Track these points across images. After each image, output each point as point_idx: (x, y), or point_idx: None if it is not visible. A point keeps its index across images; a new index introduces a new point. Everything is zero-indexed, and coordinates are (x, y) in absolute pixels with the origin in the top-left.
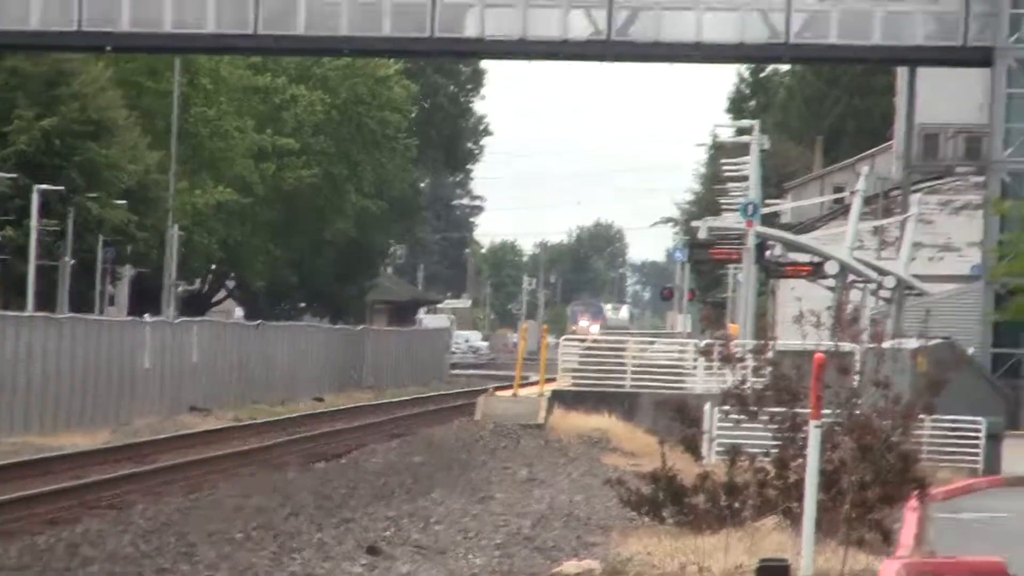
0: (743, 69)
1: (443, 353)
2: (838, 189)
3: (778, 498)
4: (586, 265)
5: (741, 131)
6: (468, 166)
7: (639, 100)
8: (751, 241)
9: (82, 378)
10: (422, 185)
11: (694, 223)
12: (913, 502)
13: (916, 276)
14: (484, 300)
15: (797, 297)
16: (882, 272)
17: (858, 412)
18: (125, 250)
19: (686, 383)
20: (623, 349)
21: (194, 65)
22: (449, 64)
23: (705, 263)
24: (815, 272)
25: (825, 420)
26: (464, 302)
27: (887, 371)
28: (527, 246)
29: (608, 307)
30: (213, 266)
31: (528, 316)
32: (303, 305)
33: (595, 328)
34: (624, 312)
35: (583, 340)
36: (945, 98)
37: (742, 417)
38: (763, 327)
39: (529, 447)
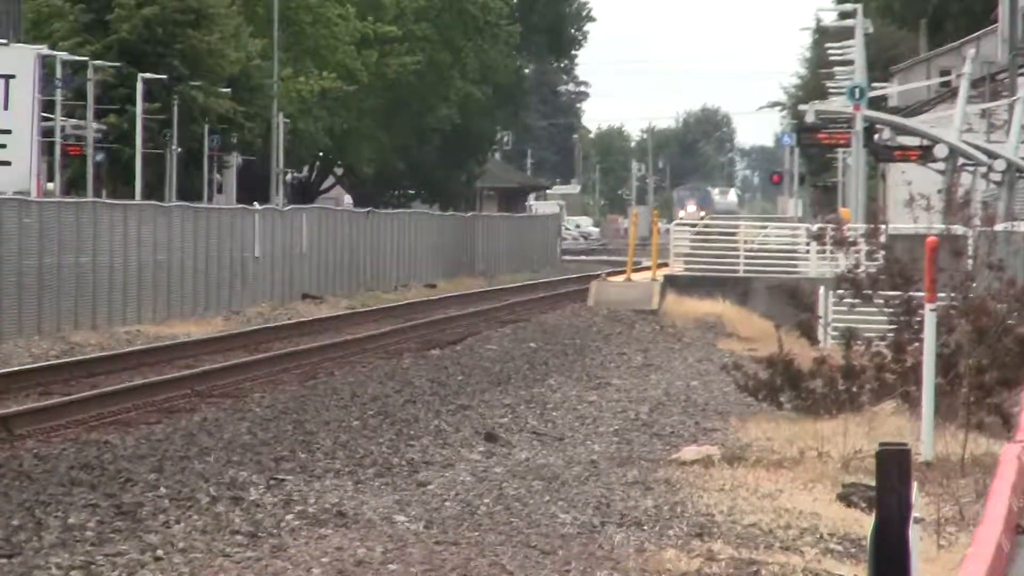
0: None
1: (554, 239)
2: (944, 73)
3: (896, 382)
4: (694, 150)
5: (844, 15)
6: (572, 52)
7: None
8: (859, 125)
9: (192, 267)
10: (527, 71)
11: (801, 107)
12: None
13: None
14: (593, 186)
15: (908, 181)
16: (992, 155)
17: (973, 295)
18: (231, 138)
19: (799, 268)
20: (735, 234)
21: None
22: None
23: (814, 147)
24: (924, 156)
25: (940, 303)
26: (573, 188)
27: (1000, 254)
28: (634, 131)
29: (715, 191)
30: (320, 154)
31: (638, 202)
32: (412, 192)
33: (702, 214)
34: (732, 196)
35: (695, 225)
36: None
37: (857, 301)
38: (874, 211)
39: (643, 332)
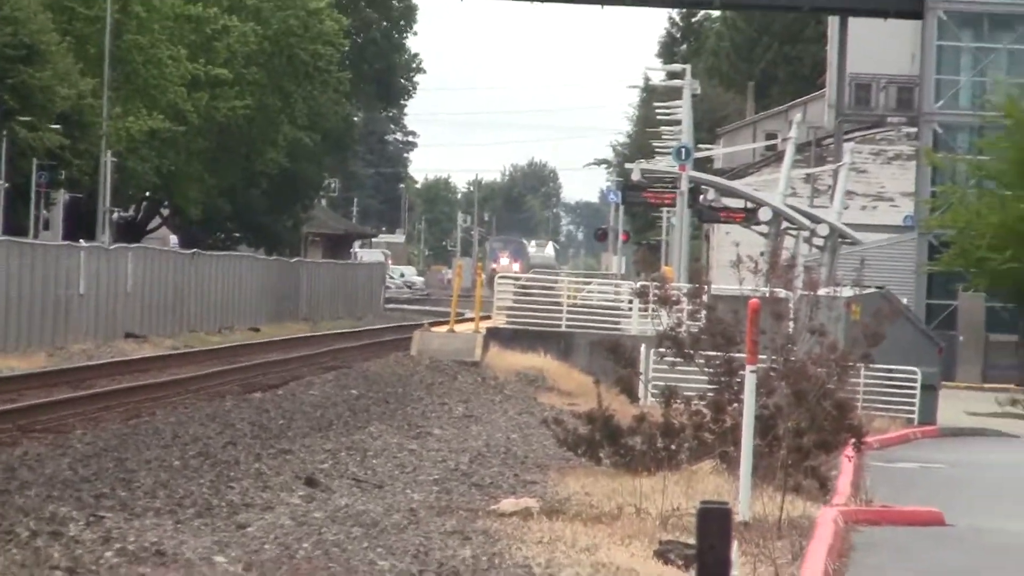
0: (674, 13)
1: (378, 287)
2: (770, 136)
3: (714, 442)
4: (520, 203)
5: (672, 75)
6: (401, 101)
7: (571, 41)
8: (684, 185)
9: (17, 302)
10: (355, 119)
11: (628, 165)
12: (849, 450)
13: (849, 225)
14: (418, 236)
15: (734, 242)
16: (815, 220)
17: (793, 358)
18: (59, 175)
19: (621, 324)
20: (558, 289)
21: None
22: None
23: (639, 205)
24: (748, 218)
25: (761, 365)
26: (398, 237)
27: (822, 318)
28: (461, 183)
29: (532, 244)
30: (147, 193)
31: (463, 253)
32: (238, 235)
33: (516, 267)
34: (549, 250)
35: (518, 278)
36: (877, 48)
37: (678, 360)
38: (697, 271)
39: (466, 383)
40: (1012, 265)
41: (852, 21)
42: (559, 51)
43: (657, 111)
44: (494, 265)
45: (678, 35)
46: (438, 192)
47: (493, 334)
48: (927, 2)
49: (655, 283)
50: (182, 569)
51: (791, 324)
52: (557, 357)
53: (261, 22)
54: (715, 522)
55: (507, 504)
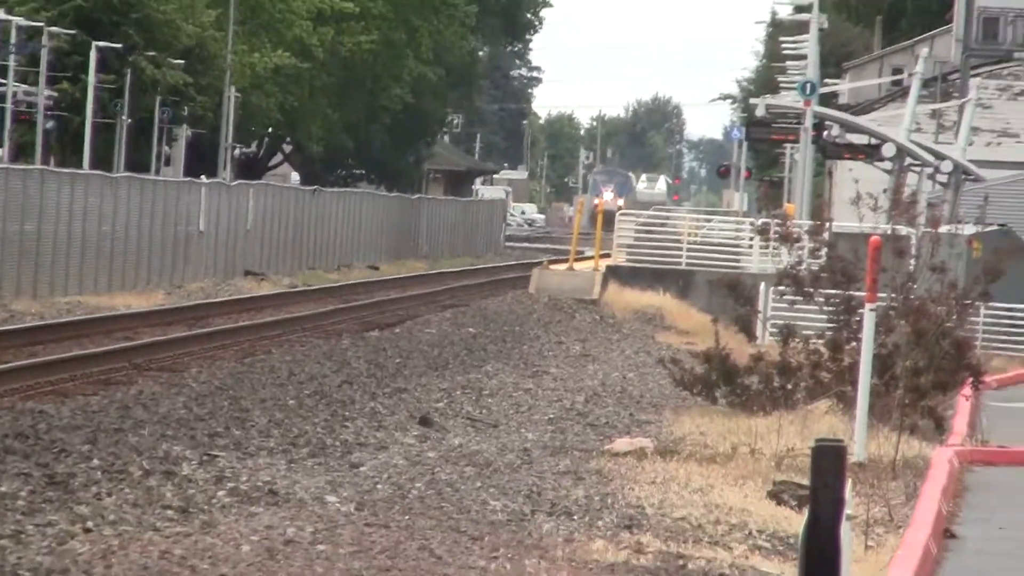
0: None
1: (499, 224)
2: (897, 71)
3: (831, 381)
4: (643, 140)
5: (800, 9)
6: (527, 36)
7: None
8: (808, 121)
9: (136, 239)
10: (480, 54)
11: (752, 101)
12: (966, 390)
13: (974, 161)
14: (541, 172)
15: (855, 179)
16: (939, 156)
17: (913, 297)
18: (182, 111)
19: (742, 262)
20: (678, 226)
21: None
22: None
23: (762, 141)
24: (872, 154)
25: (880, 304)
26: (521, 174)
27: (943, 256)
28: (584, 119)
29: (643, 178)
30: (270, 130)
31: (584, 190)
32: (359, 172)
33: (619, 202)
34: (661, 185)
35: (638, 215)
36: None
37: (797, 298)
38: (819, 208)
39: (583, 322)
40: None
41: None
42: None
43: (783, 46)
44: (596, 200)
45: None
46: (561, 128)
47: (612, 272)
48: None
49: (776, 220)
50: (294, 508)
51: (912, 262)
52: (676, 295)
53: None
54: (829, 460)
55: (621, 444)
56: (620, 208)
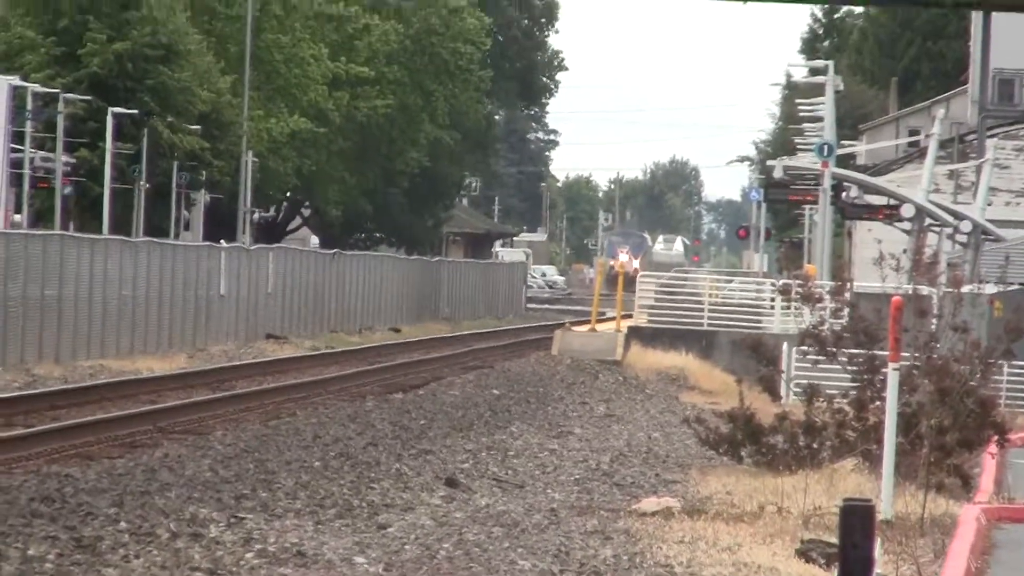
0: (816, 9)
1: (520, 286)
2: (913, 132)
3: (856, 440)
4: (661, 202)
5: (815, 71)
6: (543, 100)
7: (713, 38)
8: (827, 182)
9: (157, 303)
10: (496, 118)
11: (769, 162)
12: (992, 447)
13: (992, 221)
14: (560, 234)
15: (876, 239)
16: (958, 216)
17: (936, 356)
18: (200, 175)
19: (763, 323)
20: (700, 287)
21: None
22: None
23: (781, 203)
24: (891, 215)
25: (903, 363)
26: (540, 236)
27: (965, 316)
28: (602, 181)
29: (660, 240)
30: (288, 194)
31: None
32: (378, 235)
33: (635, 263)
34: (678, 246)
35: (660, 277)
36: (1021, 42)
37: (820, 358)
38: (840, 268)
39: (606, 383)
40: None
41: (995, 15)
42: (701, 48)
43: (799, 108)
44: (612, 261)
45: (820, 31)
46: (579, 190)
47: (634, 333)
48: None
49: (798, 280)
50: (323, 570)
51: (934, 321)
52: (698, 356)
53: (402, 20)
54: (858, 519)
55: (648, 503)
56: (636, 269)
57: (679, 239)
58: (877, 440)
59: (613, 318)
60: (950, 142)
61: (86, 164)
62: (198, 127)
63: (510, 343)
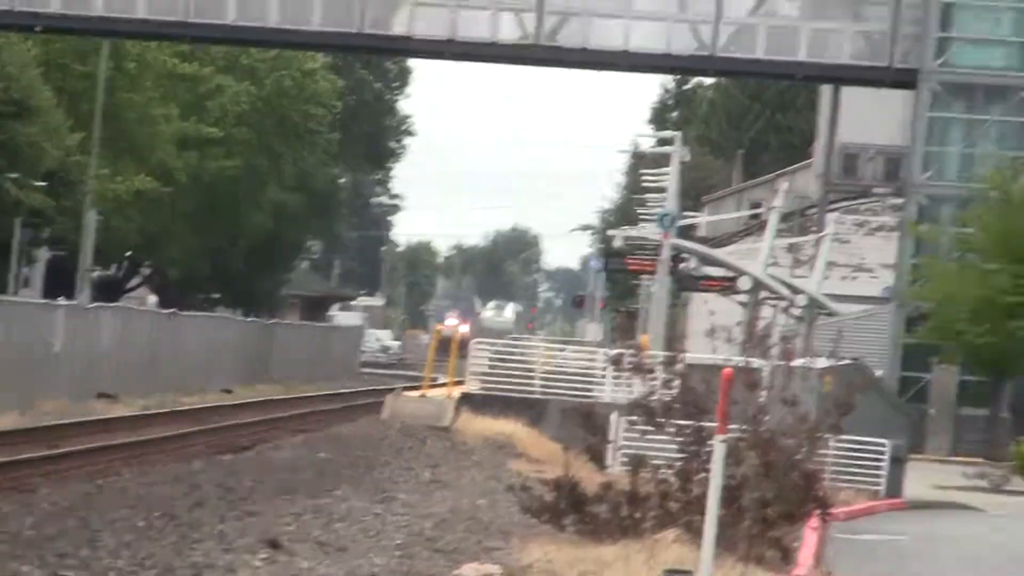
0: (667, 80)
1: (354, 350)
2: (755, 205)
3: (680, 511)
4: (501, 269)
5: (663, 142)
6: (389, 164)
7: (563, 105)
8: (666, 252)
9: None
10: (342, 181)
11: (611, 232)
12: (814, 521)
13: (828, 295)
14: (398, 299)
15: (710, 311)
16: (795, 290)
17: (764, 429)
18: (42, 232)
19: (595, 392)
20: (532, 355)
21: (122, 49)
22: (376, 60)
23: (620, 272)
24: (728, 287)
25: (731, 435)
26: (378, 300)
27: (795, 389)
28: (443, 247)
29: (492, 305)
30: (129, 252)
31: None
32: (217, 296)
33: (463, 329)
34: (508, 313)
35: (493, 343)
36: (867, 118)
37: (648, 428)
38: (674, 339)
39: (435, 449)
40: (989, 339)
41: (844, 90)
42: (552, 115)
43: (644, 178)
44: (440, 326)
45: (670, 102)
46: (420, 256)
47: (466, 399)
48: (921, 73)
49: (630, 351)
50: None
51: (764, 394)
52: (529, 424)
53: (255, 82)
54: None
55: (468, 570)
56: (464, 334)
57: (510, 305)
58: (700, 511)
59: (445, 384)
60: (792, 215)
61: None
62: (44, 183)
63: (342, 407)
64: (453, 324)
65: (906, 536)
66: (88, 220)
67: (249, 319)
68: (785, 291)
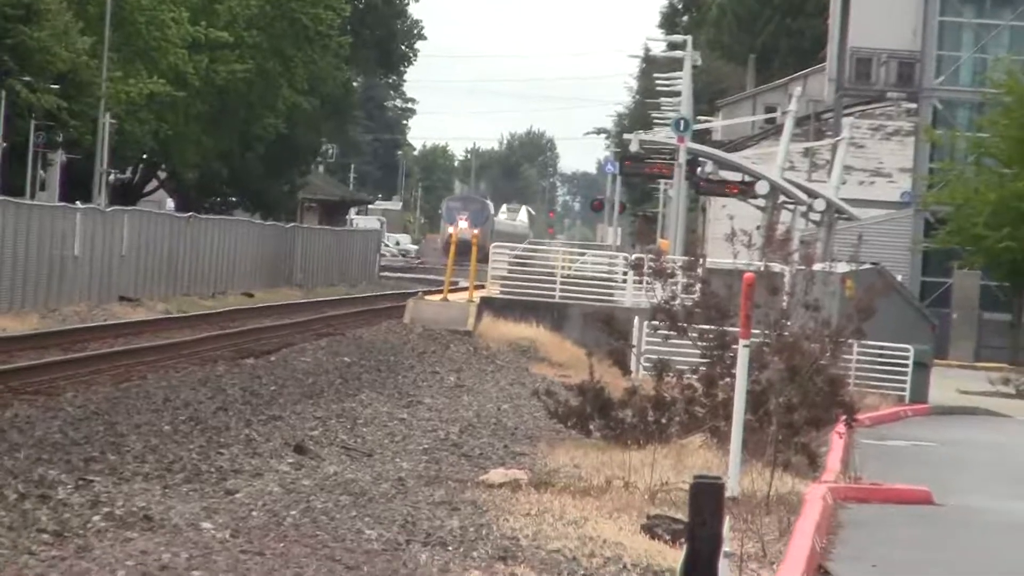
0: None
1: (373, 254)
2: (770, 109)
3: (705, 416)
4: (517, 173)
5: (673, 46)
6: (401, 68)
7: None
8: (682, 157)
9: (12, 262)
10: (355, 85)
11: (626, 136)
12: (840, 427)
13: (846, 200)
14: (415, 203)
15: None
16: (812, 194)
17: (787, 333)
18: (57, 136)
19: (615, 296)
20: (552, 259)
21: None
22: None
23: (636, 176)
24: (745, 191)
25: (754, 340)
26: (395, 204)
27: (817, 294)
28: (459, 151)
29: (503, 209)
30: (144, 156)
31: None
32: (234, 200)
33: (475, 232)
34: (522, 216)
35: (513, 248)
36: (878, 22)
37: (671, 333)
38: (693, 243)
39: (457, 353)
40: (1008, 243)
41: None
42: (561, 19)
43: (657, 82)
44: (451, 229)
45: (680, 5)
46: (436, 160)
47: (487, 304)
48: None
49: (650, 255)
50: (169, 534)
51: (785, 299)
52: (550, 328)
53: None
54: (708, 498)
55: (496, 475)
56: (475, 235)
57: (524, 208)
58: (726, 416)
59: (466, 288)
60: (806, 120)
61: None
62: (56, 87)
63: (363, 311)
64: (464, 227)
65: (933, 442)
66: (102, 123)
67: (268, 223)
68: (803, 195)
